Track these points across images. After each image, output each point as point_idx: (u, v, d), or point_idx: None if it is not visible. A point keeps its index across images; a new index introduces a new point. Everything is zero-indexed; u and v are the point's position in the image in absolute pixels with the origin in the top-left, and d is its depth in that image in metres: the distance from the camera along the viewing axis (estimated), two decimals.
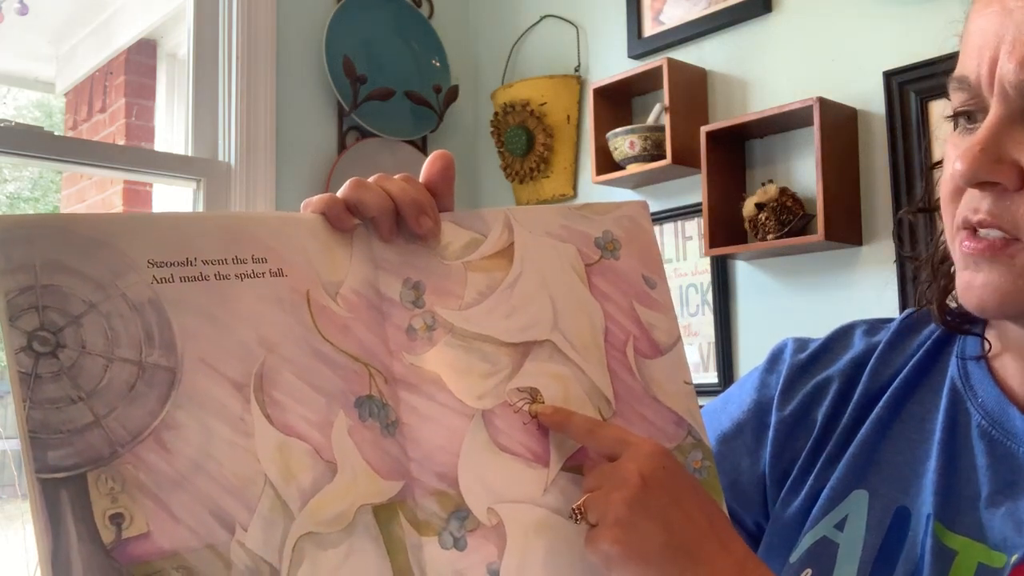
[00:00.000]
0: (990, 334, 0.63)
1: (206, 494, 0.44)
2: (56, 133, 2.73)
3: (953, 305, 0.63)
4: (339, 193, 0.53)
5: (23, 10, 3.24)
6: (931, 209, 0.68)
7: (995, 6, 0.54)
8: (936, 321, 0.65)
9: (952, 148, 0.58)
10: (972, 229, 0.55)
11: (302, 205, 0.54)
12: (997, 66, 0.52)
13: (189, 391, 0.45)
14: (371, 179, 0.55)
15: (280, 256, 0.50)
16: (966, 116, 0.57)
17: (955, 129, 0.59)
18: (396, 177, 0.55)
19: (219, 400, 0.46)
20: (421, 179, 0.56)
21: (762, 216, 1.88)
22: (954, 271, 0.60)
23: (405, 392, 0.52)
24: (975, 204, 0.54)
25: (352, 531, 0.47)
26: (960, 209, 0.56)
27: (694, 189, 2.09)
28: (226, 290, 0.48)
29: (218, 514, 0.44)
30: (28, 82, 4.38)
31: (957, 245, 0.57)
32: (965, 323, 0.63)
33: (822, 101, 1.80)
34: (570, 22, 2.46)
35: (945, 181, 0.58)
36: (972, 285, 0.55)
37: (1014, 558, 0.54)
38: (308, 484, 0.47)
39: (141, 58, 3.42)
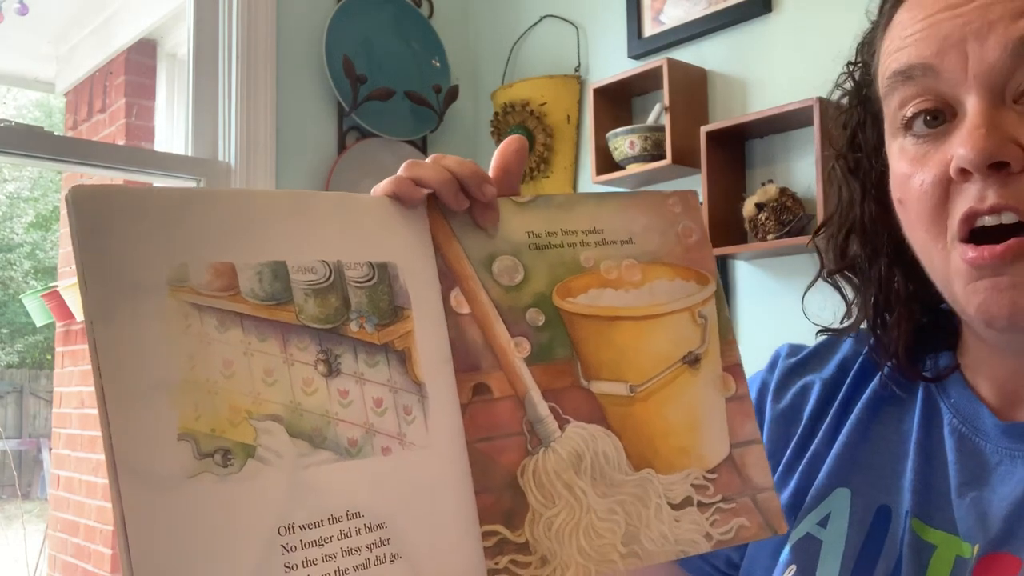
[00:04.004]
0: (960, 353, 0.64)
1: None
2: (56, 133, 2.73)
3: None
4: (398, 173, 0.53)
5: (23, 10, 3.25)
6: (841, 270, 0.67)
7: (940, 4, 0.53)
8: (905, 375, 0.64)
9: (908, 161, 0.56)
10: (969, 237, 0.53)
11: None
12: (968, 56, 0.52)
13: None
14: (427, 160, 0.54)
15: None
16: (926, 114, 0.55)
17: (901, 138, 0.57)
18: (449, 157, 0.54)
19: None
20: (496, 160, 0.56)
21: (762, 216, 1.88)
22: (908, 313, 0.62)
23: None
24: (978, 194, 0.52)
25: None
26: (957, 207, 0.53)
27: (694, 189, 2.09)
28: None
29: None
30: (28, 82, 4.39)
31: (958, 256, 0.54)
32: (939, 372, 0.64)
33: (822, 101, 1.79)
34: (570, 22, 2.46)
35: (920, 195, 0.55)
36: (999, 290, 0.52)
37: (976, 548, 0.55)
38: None
39: (141, 58, 3.42)
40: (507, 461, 0.51)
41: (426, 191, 0.52)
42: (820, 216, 1.77)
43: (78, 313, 3.46)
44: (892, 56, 0.57)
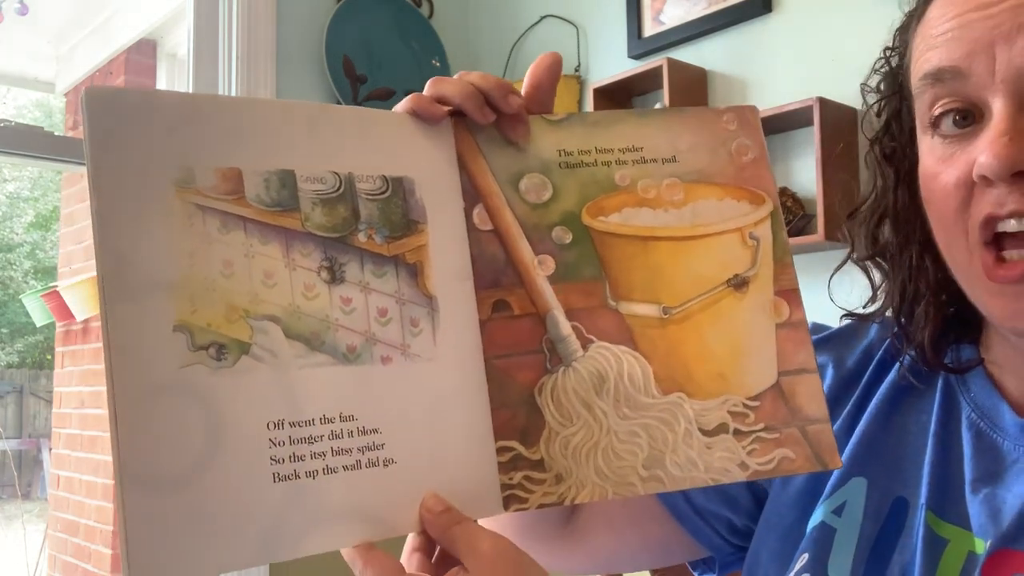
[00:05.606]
0: (983, 347, 0.63)
1: None
2: (56, 133, 2.73)
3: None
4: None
5: (23, 10, 3.25)
6: (872, 256, 0.67)
7: (971, 3, 0.53)
8: (928, 364, 0.63)
9: (934, 160, 0.57)
10: (996, 253, 0.53)
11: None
12: (996, 59, 0.51)
13: None
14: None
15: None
16: (955, 115, 0.54)
17: (930, 136, 0.57)
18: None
19: None
20: (528, 77, 0.54)
21: None
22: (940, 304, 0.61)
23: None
24: (998, 200, 0.52)
25: None
26: (977, 211, 0.54)
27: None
28: None
29: None
30: (28, 82, 4.39)
31: (979, 265, 0.55)
32: (961, 363, 0.63)
33: (822, 101, 1.80)
34: (570, 22, 2.46)
35: (943, 196, 0.56)
36: (1021, 305, 0.53)
37: (988, 544, 0.55)
38: None
39: (141, 58, 3.42)
40: (525, 378, 0.50)
41: (447, 108, 0.52)
42: (820, 216, 1.77)
43: (78, 313, 3.46)
44: (923, 56, 0.57)
